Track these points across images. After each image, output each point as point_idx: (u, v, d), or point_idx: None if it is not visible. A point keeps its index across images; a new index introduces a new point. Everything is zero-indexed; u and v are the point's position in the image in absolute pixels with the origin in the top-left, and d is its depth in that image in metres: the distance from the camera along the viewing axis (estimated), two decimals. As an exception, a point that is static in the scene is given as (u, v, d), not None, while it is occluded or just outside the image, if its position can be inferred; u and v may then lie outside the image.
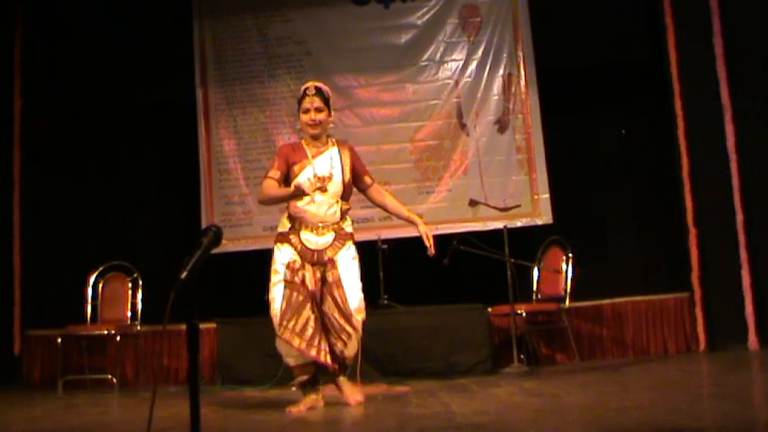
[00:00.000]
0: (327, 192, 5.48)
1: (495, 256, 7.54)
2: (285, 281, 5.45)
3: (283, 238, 5.57)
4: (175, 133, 9.25)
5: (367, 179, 5.83)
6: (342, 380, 5.64)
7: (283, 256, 5.52)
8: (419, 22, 9.23)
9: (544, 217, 8.74)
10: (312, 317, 5.42)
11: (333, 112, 5.78)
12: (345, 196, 5.64)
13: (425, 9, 9.23)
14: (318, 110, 5.57)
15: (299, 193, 5.38)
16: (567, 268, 8.00)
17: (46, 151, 9.16)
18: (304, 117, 5.61)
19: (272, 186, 5.58)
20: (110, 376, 8.09)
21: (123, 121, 9.20)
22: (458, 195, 8.88)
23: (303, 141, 5.69)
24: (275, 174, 5.59)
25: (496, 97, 9.04)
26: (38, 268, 8.91)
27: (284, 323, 5.40)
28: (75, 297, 8.31)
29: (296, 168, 5.57)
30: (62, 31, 9.33)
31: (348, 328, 5.47)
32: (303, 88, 5.71)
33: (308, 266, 5.49)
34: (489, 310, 7.81)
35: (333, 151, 5.65)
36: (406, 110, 9.15)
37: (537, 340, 8.24)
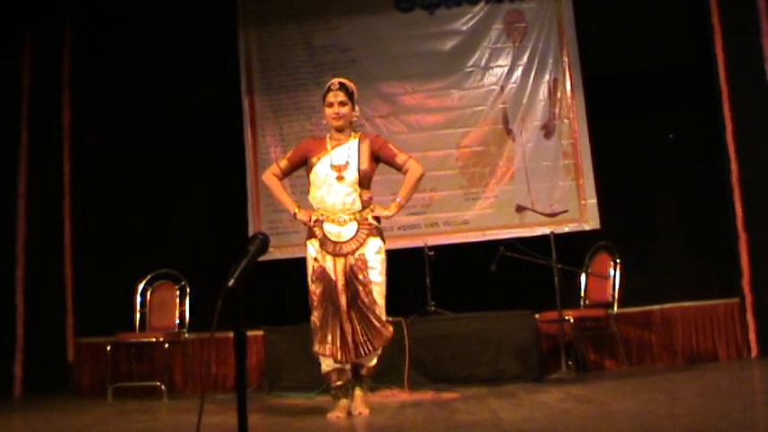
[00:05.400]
0: (345, 179, 5.65)
1: (543, 261, 7.50)
2: (319, 291, 5.61)
3: (310, 232, 5.71)
4: (222, 141, 9.29)
5: (398, 160, 5.85)
6: (357, 390, 5.69)
7: (310, 253, 5.70)
8: (464, 29, 9.21)
9: (591, 222, 8.67)
10: (342, 325, 5.54)
11: (357, 107, 5.90)
12: (363, 184, 5.71)
13: (470, 15, 9.21)
14: (342, 104, 5.73)
15: (294, 216, 5.79)
16: (614, 274, 7.96)
17: (94, 161, 9.26)
18: (328, 110, 5.77)
19: (277, 185, 5.98)
20: (158, 383, 8.12)
21: (170, 130, 9.28)
22: (504, 201, 8.83)
23: (328, 135, 5.86)
24: (283, 163, 6.03)
25: (542, 102, 8.99)
26: (88, 277, 9.03)
27: (319, 336, 5.59)
28: (124, 305, 8.40)
29: (314, 159, 5.76)
30: (109, 43, 9.46)
31: (369, 345, 5.56)
32: (328, 84, 5.85)
33: (329, 258, 5.62)
34: (537, 316, 7.75)
35: (352, 143, 5.78)
36: (451, 116, 9.13)
37: (585, 346, 8.18)
